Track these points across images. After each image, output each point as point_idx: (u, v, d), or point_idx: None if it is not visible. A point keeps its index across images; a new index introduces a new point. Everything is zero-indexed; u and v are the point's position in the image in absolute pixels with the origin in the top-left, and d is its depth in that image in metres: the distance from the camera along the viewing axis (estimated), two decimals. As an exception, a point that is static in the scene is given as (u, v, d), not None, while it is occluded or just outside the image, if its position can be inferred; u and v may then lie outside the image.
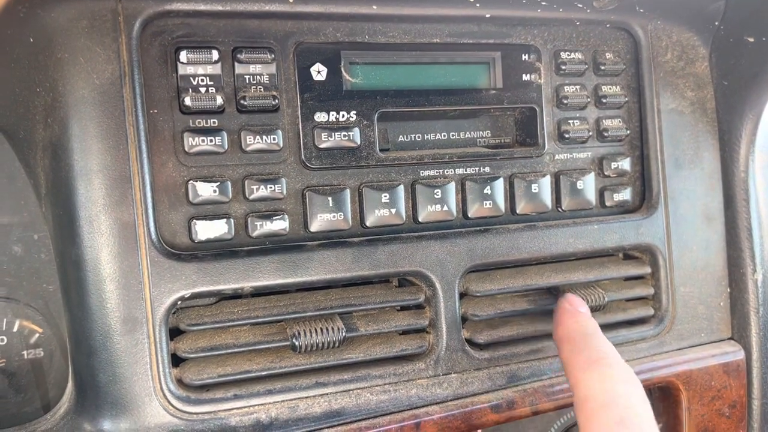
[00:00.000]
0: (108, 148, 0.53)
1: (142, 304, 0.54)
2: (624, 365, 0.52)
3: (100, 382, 0.54)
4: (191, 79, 0.56)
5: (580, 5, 0.67)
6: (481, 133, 0.69)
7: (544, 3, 0.65)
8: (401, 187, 0.63)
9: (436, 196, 0.64)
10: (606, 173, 0.72)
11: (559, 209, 0.70)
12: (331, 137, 0.60)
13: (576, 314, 0.60)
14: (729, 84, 0.75)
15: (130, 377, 0.54)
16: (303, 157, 0.60)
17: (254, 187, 0.58)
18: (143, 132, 0.54)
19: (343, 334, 0.59)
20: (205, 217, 0.57)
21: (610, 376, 0.49)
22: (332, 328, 0.59)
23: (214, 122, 0.57)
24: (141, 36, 0.54)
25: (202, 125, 0.57)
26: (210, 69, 0.57)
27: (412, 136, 0.66)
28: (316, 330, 0.58)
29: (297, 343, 0.57)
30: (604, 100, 0.72)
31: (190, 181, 0.56)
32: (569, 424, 0.78)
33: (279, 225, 0.59)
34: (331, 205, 0.60)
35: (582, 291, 0.69)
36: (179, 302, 0.55)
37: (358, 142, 0.61)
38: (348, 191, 0.61)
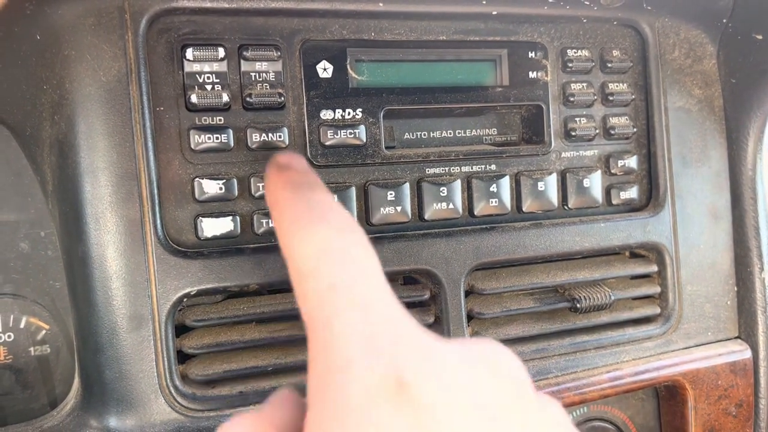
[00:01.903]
0: (114, 145, 0.53)
1: (148, 301, 0.54)
2: (339, 215, 0.39)
3: (107, 379, 0.54)
4: (197, 76, 0.56)
5: (588, 2, 0.67)
6: (487, 130, 0.69)
7: (551, 0, 0.65)
8: (407, 185, 0.63)
9: (441, 193, 0.64)
10: (613, 171, 0.72)
11: (566, 207, 0.70)
12: (337, 135, 0.60)
13: (284, 167, 0.45)
14: (737, 82, 0.75)
15: (136, 374, 0.54)
16: (309, 154, 0.60)
17: (260, 185, 0.58)
18: (149, 129, 0.54)
19: None
20: (211, 215, 0.57)
21: (324, 233, 0.37)
22: None
23: (220, 120, 0.57)
24: (147, 33, 0.54)
25: (208, 122, 0.57)
26: (216, 66, 0.57)
27: (418, 133, 0.66)
28: None
29: None
30: (610, 98, 0.71)
31: (196, 179, 0.56)
32: (575, 422, 0.78)
33: (285, 222, 0.58)
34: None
35: (588, 289, 0.68)
36: (185, 299, 0.55)
37: (364, 140, 0.61)
38: (353, 189, 0.61)
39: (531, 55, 0.68)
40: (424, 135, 0.66)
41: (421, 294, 0.64)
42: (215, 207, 0.57)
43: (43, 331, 0.63)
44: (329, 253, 0.35)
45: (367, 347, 0.31)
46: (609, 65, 0.71)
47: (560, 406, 0.34)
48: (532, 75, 0.68)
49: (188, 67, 0.56)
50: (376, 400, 0.29)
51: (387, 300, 0.34)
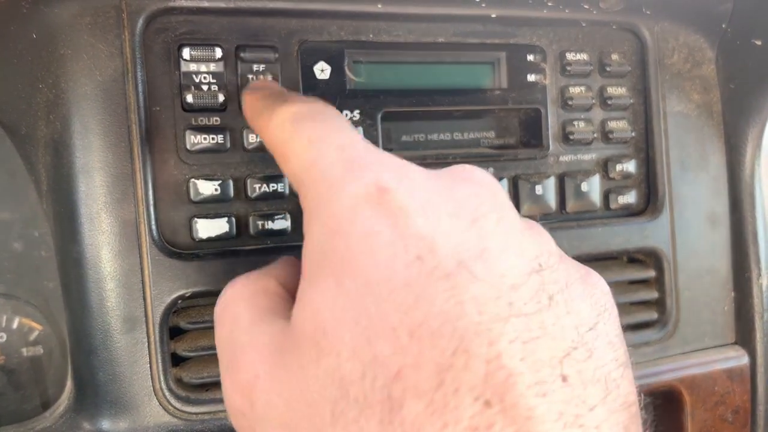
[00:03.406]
0: (109, 145, 0.53)
1: (143, 302, 0.53)
2: (309, 98, 0.43)
3: (100, 381, 0.54)
4: (194, 76, 0.56)
5: (587, 6, 0.67)
6: (485, 133, 0.69)
7: (550, 3, 0.65)
8: (404, 188, 0.63)
9: (439, 196, 0.64)
10: (611, 175, 0.72)
11: (563, 211, 0.70)
12: (334, 136, 0.60)
13: (255, 88, 0.49)
14: (735, 87, 0.75)
15: (130, 376, 0.54)
16: (306, 156, 0.59)
17: (256, 186, 0.57)
18: (145, 129, 0.54)
19: None
20: (206, 216, 0.56)
21: (287, 110, 0.40)
22: None
23: (216, 120, 0.57)
24: (144, 33, 0.54)
25: (204, 123, 0.57)
26: (213, 67, 0.56)
27: (416, 135, 0.66)
28: None
29: None
30: (609, 102, 0.71)
31: (192, 179, 0.56)
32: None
33: (281, 224, 0.58)
34: (333, 204, 0.60)
35: (585, 294, 0.68)
36: (180, 301, 0.55)
37: (362, 142, 0.61)
38: (351, 191, 0.61)
39: (529, 58, 0.68)
40: (422, 137, 0.66)
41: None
42: (210, 208, 0.57)
43: (36, 332, 0.63)
44: (303, 117, 0.39)
45: (352, 168, 0.33)
46: (608, 69, 0.71)
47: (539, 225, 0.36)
48: (530, 78, 0.68)
49: (185, 67, 0.56)
50: (361, 206, 0.31)
51: (364, 141, 0.37)
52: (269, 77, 0.57)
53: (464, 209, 0.32)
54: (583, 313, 0.33)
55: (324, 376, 0.29)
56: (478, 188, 0.35)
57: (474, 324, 0.28)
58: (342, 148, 0.35)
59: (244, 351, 0.35)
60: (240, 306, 0.39)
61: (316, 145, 0.36)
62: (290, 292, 0.39)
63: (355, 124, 0.61)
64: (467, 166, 0.37)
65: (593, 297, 0.35)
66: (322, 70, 0.60)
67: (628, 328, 0.73)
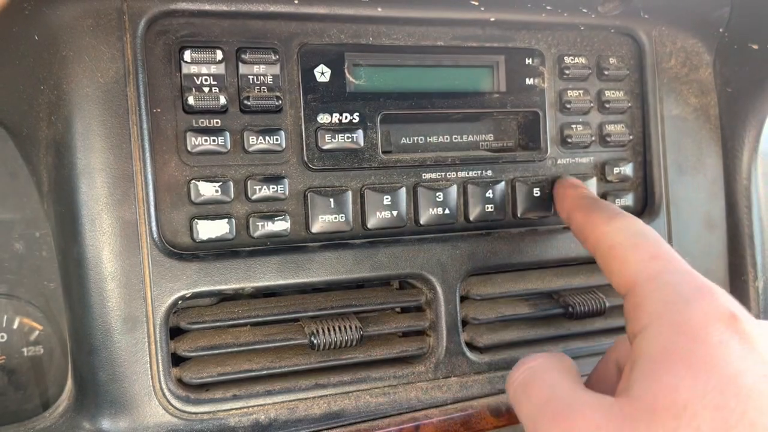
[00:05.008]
0: (111, 146, 0.53)
1: (143, 303, 0.54)
2: (625, 211, 0.55)
3: (100, 381, 0.54)
4: (195, 78, 0.56)
5: (585, 10, 0.67)
6: (483, 136, 0.69)
7: (548, 7, 0.65)
8: (403, 190, 0.63)
9: (437, 198, 0.64)
10: (608, 178, 0.72)
11: (561, 214, 0.70)
12: (334, 139, 0.60)
13: (579, 186, 0.64)
14: (732, 91, 0.75)
15: (130, 376, 0.54)
16: (305, 158, 0.60)
17: (256, 188, 0.58)
18: (146, 131, 0.54)
19: (361, 332, 0.59)
20: (206, 217, 0.57)
21: (634, 223, 0.51)
22: (349, 327, 0.59)
23: (217, 122, 0.57)
24: (146, 35, 0.54)
25: (205, 125, 0.57)
26: (214, 69, 0.57)
27: (415, 138, 0.66)
28: (334, 328, 0.58)
29: (315, 341, 0.58)
30: (607, 105, 0.71)
31: (192, 181, 0.56)
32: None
33: (280, 226, 0.59)
34: (332, 206, 0.60)
35: (583, 296, 0.69)
36: (180, 302, 0.55)
37: (361, 144, 0.61)
38: (350, 193, 0.61)
39: (528, 61, 0.68)
40: (421, 140, 0.66)
41: (416, 299, 0.64)
42: (211, 209, 0.57)
43: (37, 332, 0.63)
44: (644, 235, 0.49)
45: (699, 291, 0.42)
46: (606, 73, 0.71)
47: None
48: (529, 81, 0.68)
49: (186, 69, 0.56)
50: (714, 323, 0.39)
51: (697, 272, 0.45)
52: (579, 181, 0.67)
53: None
54: None
55: None
56: None
57: None
58: (688, 272, 0.45)
59: (580, 409, 0.41)
60: (554, 375, 0.46)
61: (660, 261, 0.46)
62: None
63: (355, 126, 0.61)
64: None
65: None
66: (323, 73, 0.60)
67: (625, 330, 0.73)
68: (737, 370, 0.37)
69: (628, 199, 0.73)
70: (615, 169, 0.72)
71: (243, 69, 0.58)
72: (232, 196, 0.57)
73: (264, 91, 0.58)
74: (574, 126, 0.70)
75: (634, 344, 0.43)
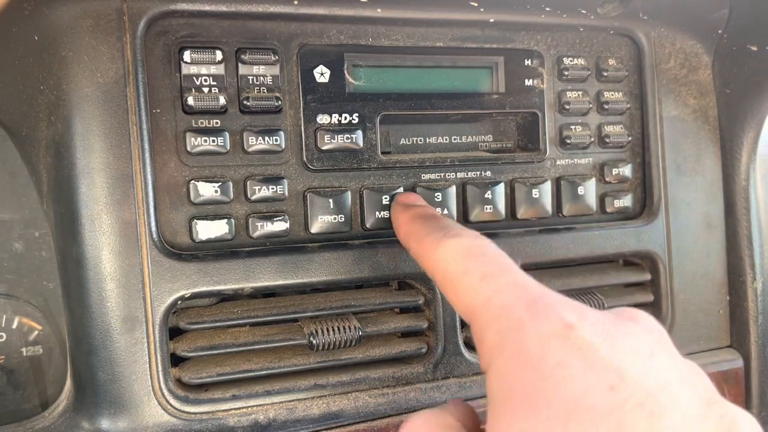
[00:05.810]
0: (110, 146, 0.53)
1: (142, 303, 0.54)
2: (466, 229, 0.48)
3: (99, 381, 0.54)
4: (194, 79, 0.56)
5: (584, 11, 0.67)
6: (482, 137, 0.69)
7: (548, 9, 0.65)
8: (402, 190, 0.63)
9: (436, 199, 0.64)
10: (607, 179, 0.72)
11: (560, 215, 0.70)
12: (334, 139, 0.60)
13: (410, 206, 0.57)
14: (731, 92, 0.76)
15: (129, 376, 0.54)
16: (305, 158, 0.60)
17: (256, 188, 0.58)
18: (146, 131, 0.54)
19: (360, 333, 0.60)
20: (206, 217, 0.57)
21: (462, 243, 0.45)
22: (348, 327, 0.59)
23: (216, 122, 0.57)
24: (145, 35, 0.55)
25: (204, 125, 0.57)
26: (213, 69, 0.57)
27: (414, 139, 0.66)
28: (333, 328, 0.59)
29: (314, 342, 0.58)
30: (606, 106, 0.72)
31: (192, 181, 0.56)
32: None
33: (280, 226, 0.59)
34: (332, 206, 0.60)
35: (582, 297, 0.69)
36: (179, 302, 0.55)
37: (360, 145, 0.61)
38: (349, 193, 0.61)
39: (527, 62, 0.68)
40: (420, 141, 0.66)
41: (415, 299, 0.64)
42: (210, 210, 0.57)
43: (36, 332, 0.63)
44: (473, 255, 0.44)
45: (531, 309, 0.37)
46: (605, 74, 0.71)
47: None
48: (528, 82, 0.68)
49: (185, 70, 0.56)
50: (549, 343, 0.35)
51: (533, 281, 0.40)
52: (417, 196, 0.61)
53: (640, 344, 0.35)
54: None
55: None
56: (647, 327, 0.38)
57: None
58: (520, 287, 0.39)
59: None
60: None
61: (491, 282, 0.40)
62: (467, 428, 0.42)
63: (354, 127, 0.61)
64: (633, 309, 0.40)
65: (753, 422, 0.38)
66: (322, 74, 0.61)
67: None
68: (579, 392, 0.33)
69: (627, 200, 0.73)
70: (614, 170, 0.72)
71: (243, 69, 0.58)
72: (232, 196, 0.58)
73: (263, 92, 0.58)
74: (573, 127, 0.70)
75: (486, 385, 0.39)
